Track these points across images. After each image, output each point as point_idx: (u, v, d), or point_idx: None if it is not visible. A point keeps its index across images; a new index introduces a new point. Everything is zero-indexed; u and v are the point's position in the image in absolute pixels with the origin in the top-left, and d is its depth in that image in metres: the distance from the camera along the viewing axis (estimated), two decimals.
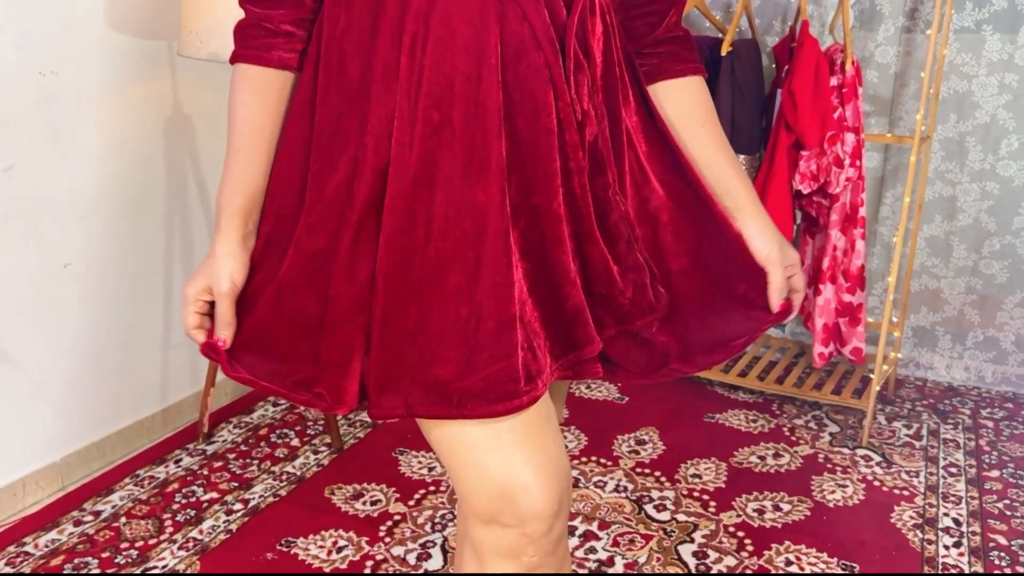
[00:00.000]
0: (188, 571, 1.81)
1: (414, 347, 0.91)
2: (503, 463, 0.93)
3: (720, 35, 2.56)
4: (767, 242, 1.09)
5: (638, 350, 1.07)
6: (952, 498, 2.18)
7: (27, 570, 1.80)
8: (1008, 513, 2.12)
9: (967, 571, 1.89)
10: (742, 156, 2.51)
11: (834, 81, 2.37)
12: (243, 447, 2.33)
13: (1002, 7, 2.56)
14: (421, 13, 0.90)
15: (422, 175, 0.90)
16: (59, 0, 1.95)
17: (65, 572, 1.76)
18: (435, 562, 1.87)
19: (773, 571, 1.86)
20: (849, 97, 2.37)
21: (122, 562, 1.84)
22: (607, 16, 1.00)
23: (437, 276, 0.90)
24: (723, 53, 2.41)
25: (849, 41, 2.36)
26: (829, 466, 2.32)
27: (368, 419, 2.49)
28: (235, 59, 1.00)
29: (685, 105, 1.11)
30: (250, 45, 0.99)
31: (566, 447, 2.37)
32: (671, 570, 1.86)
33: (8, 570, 1.80)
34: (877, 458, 2.37)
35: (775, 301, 1.09)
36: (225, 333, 0.97)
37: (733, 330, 1.10)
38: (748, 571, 1.87)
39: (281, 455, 2.29)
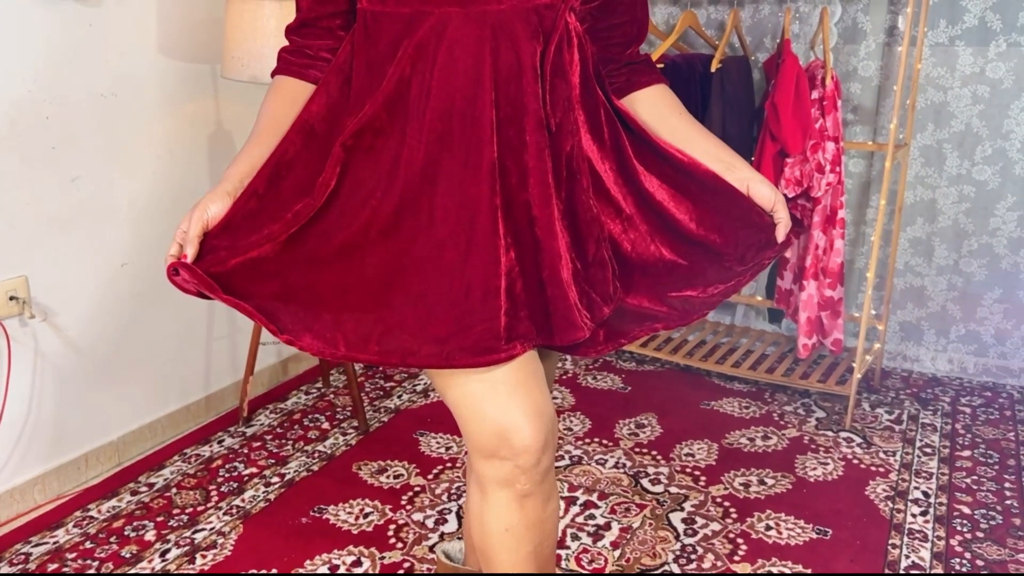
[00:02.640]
0: (232, 533, 2.05)
1: (415, 310, 1.12)
2: (499, 409, 1.16)
3: (714, 53, 2.78)
4: (768, 186, 1.29)
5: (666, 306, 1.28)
6: (924, 474, 2.38)
7: (93, 531, 2.06)
8: (975, 487, 2.32)
9: (930, 536, 2.09)
10: None
11: (815, 94, 2.59)
12: (279, 430, 2.57)
13: (973, 24, 2.77)
14: (431, 46, 1.14)
15: (427, 172, 1.13)
16: (116, 30, 2.22)
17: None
18: (451, 526, 2.10)
19: (754, 536, 2.08)
20: (829, 109, 2.59)
21: (175, 525, 2.09)
22: (584, 47, 1.23)
23: (436, 254, 1.13)
24: (712, 70, 2.64)
25: (828, 57, 2.58)
26: (813, 447, 2.53)
27: (392, 405, 2.73)
28: (278, 73, 1.27)
29: (657, 103, 1.33)
30: (293, 63, 1.27)
31: (569, 427, 2.59)
32: (661, 534, 2.08)
33: (76, 531, 2.06)
34: (858, 440, 2.57)
35: (782, 233, 1.28)
36: (188, 250, 1.11)
37: (735, 270, 1.29)
38: (731, 535, 2.08)
39: (313, 436, 2.53)
